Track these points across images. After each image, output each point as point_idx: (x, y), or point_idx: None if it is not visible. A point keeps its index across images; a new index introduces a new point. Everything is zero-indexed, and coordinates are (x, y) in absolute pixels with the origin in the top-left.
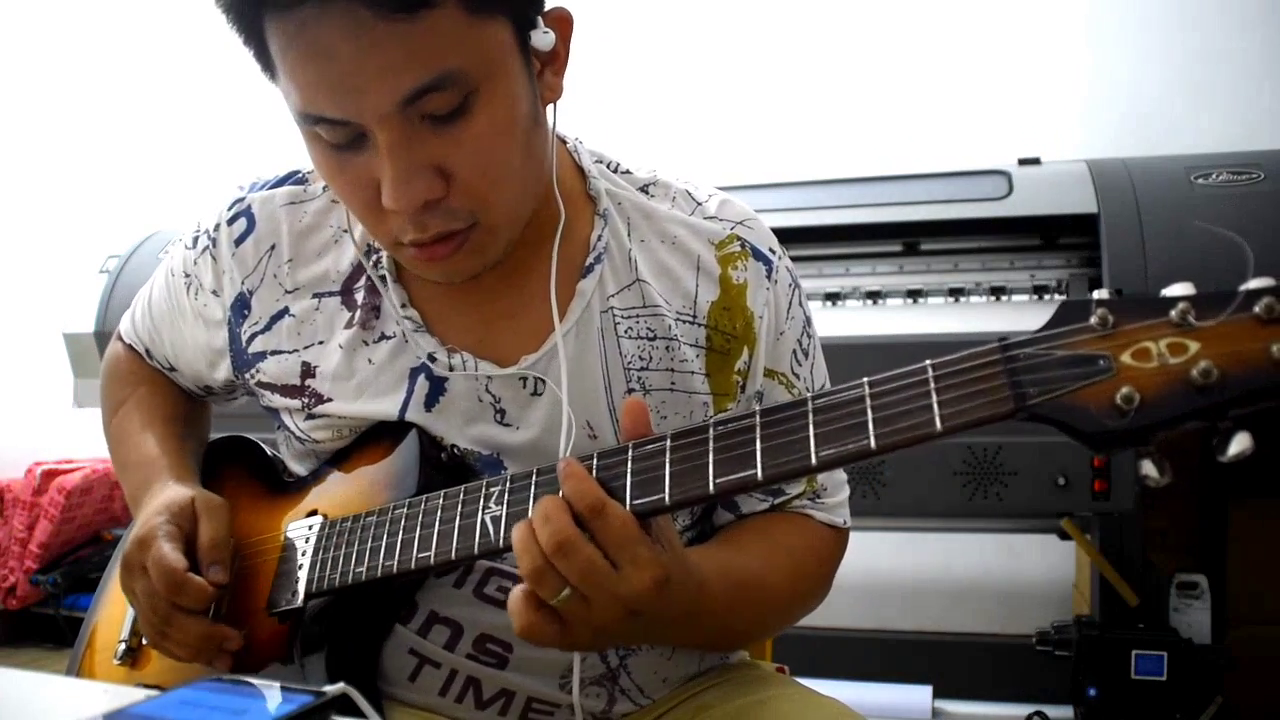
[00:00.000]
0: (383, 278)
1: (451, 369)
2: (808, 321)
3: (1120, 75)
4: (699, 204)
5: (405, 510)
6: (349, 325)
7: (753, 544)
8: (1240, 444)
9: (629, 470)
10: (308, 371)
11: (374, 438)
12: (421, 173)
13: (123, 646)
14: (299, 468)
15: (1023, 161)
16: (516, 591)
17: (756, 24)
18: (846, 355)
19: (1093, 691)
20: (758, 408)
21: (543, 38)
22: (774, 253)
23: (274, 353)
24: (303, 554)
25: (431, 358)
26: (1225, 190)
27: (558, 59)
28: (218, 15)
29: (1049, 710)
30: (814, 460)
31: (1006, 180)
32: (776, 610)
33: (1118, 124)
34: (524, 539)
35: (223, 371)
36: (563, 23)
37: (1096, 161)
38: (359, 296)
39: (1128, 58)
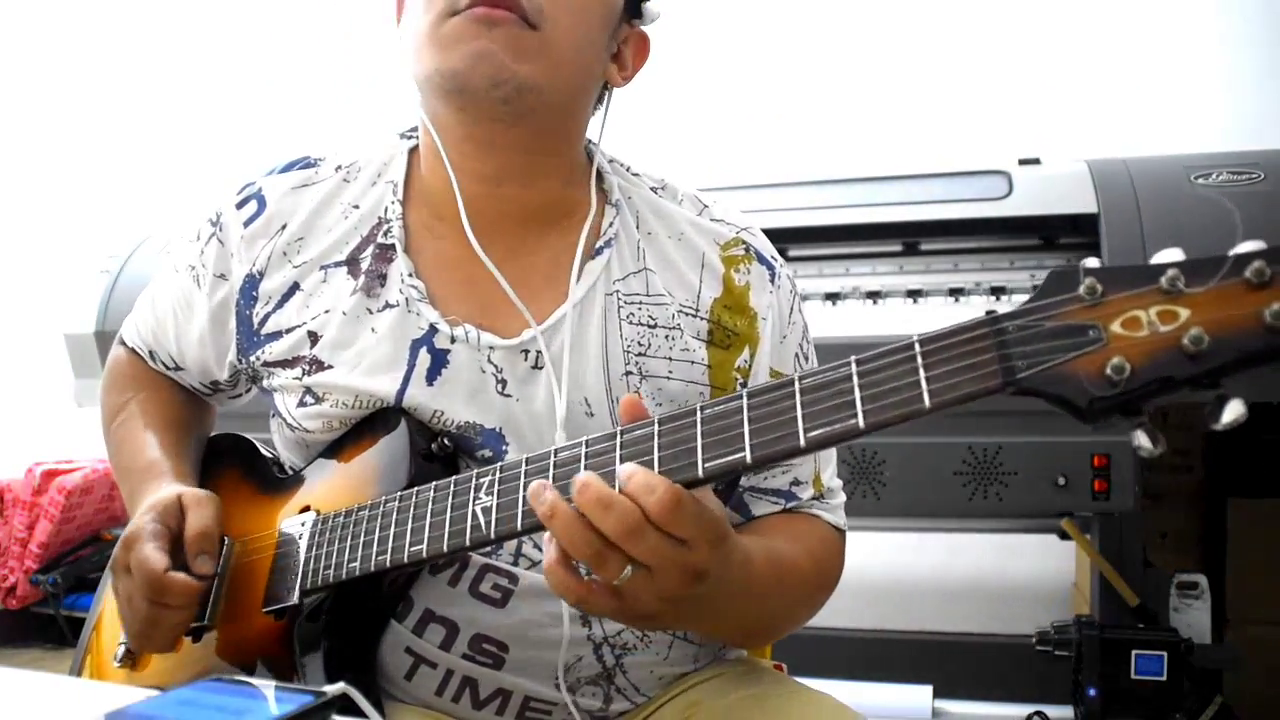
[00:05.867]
0: (393, 245)
1: (454, 340)
2: (806, 328)
3: (1120, 75)
4: (705, 206)
5: (396, 503)
6: (354, 292)
7: (781, 533)
8: (1234, 411)
9: (617, 457)
10: (313, 339)
11: (365, 429)
12: None
13: (122, 649)
14: (291, 458)
15: (1023, 161)
16: (556, 568)
17: (756, 24)
18: (846, 355)
19: (1093, 691)
20: (744, 390)
21: (652, 8)
22: (776, 260)
23: (288, 330)
24: (297, 550)
25: (433, 329)
26: (1225, 190)
27: (637, 56)
28: (217, 16)
29: (1049, 710)
30: (802, 441)
31: (1006, 180)
32: (803, 597)
33: (1118, 124)
34: (572, 526)
35: (230, 360)
36: (646, 41)
37: (1096, 161)
38: (365, 264)
39: (1127, 58)
